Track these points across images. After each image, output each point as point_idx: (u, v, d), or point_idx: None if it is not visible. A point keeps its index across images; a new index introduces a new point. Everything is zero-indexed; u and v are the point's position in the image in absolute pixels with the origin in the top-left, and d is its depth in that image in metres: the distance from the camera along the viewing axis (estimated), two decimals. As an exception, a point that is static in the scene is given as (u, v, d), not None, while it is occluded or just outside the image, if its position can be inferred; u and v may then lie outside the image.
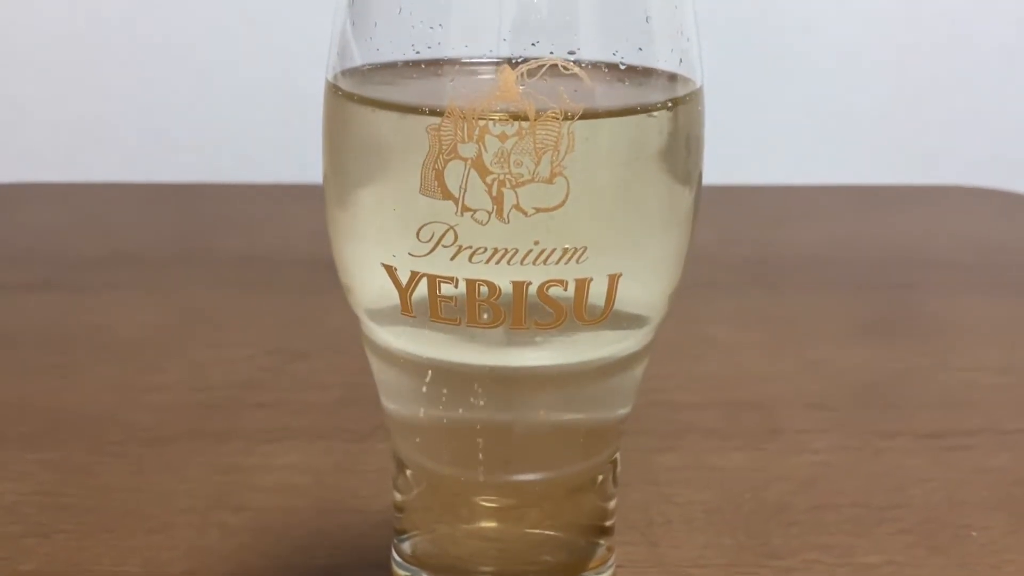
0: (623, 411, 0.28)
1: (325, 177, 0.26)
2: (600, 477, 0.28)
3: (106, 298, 0.50)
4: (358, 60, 0.25)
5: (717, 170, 0.84)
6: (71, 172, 0.72)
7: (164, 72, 0.74)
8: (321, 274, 0.52)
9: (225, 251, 0.56)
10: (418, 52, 0.24)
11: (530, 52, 0.23)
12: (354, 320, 0.29)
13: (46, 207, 0.63)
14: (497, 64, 0.23)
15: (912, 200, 0.69)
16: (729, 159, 0.78)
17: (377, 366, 0.28)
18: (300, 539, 0.32)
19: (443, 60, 0.24)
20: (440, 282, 0.24)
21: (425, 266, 0.24)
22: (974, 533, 0.33)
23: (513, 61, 0.23)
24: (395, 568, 0.29)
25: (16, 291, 0.50)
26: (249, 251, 0.57)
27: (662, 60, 0.25)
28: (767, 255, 0.58)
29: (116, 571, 0.30)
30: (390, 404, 0.28)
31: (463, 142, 0.23)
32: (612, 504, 0.29)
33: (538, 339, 0.25)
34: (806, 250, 0.59)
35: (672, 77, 0.25)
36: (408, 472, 0.29)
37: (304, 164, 0.76)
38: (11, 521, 0.32)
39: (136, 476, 0.35)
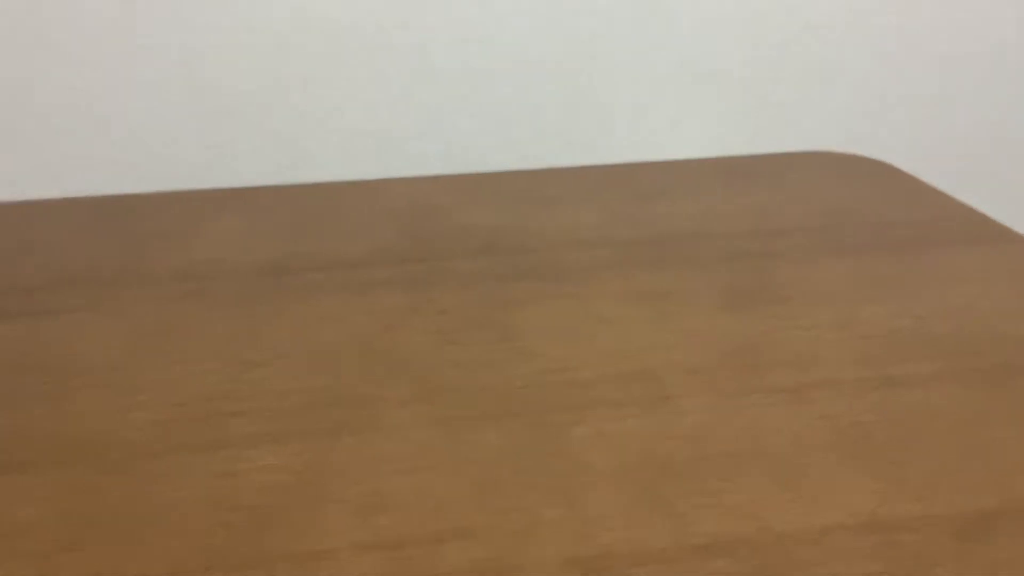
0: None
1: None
2: None
3: (64, 322, 0.55)
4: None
5: (598, 145, 0.93)
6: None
7: (80, 78, 0.77)
8: (259, 282, 0.59)
9: (162, 266, 0.62)
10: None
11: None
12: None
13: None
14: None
15: (768, 168, 0.79)
16: (607, 131, 0.87)
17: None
18: (292, 529, 0.40)
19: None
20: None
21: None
22: (814, 470, 0.43)
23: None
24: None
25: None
26: (185, 264, 0.62)
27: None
28: (644, 234, 0.67)
29: (143, 574, 0.37)
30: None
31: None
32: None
33: None
34: (677, 226, 0.68)
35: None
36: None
37: (232, 168, 0.81)
38: (43, 540, 0.39)
39: (142, 488, 0.42)
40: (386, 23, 0.80)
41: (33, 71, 0.76)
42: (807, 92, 0.89)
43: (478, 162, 0.86)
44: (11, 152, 0.77)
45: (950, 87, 0.92)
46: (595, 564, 0.38)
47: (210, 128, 0.80)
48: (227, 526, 0.40)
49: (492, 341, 0.53)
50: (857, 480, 0.43)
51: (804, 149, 0.87)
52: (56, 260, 0.62)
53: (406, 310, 0.56)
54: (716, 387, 0.49)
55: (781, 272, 0.62)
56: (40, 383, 0.49)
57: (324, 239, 0.65)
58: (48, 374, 0.50)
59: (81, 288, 0.59)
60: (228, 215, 0.68)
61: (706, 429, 0.46)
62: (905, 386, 0.49)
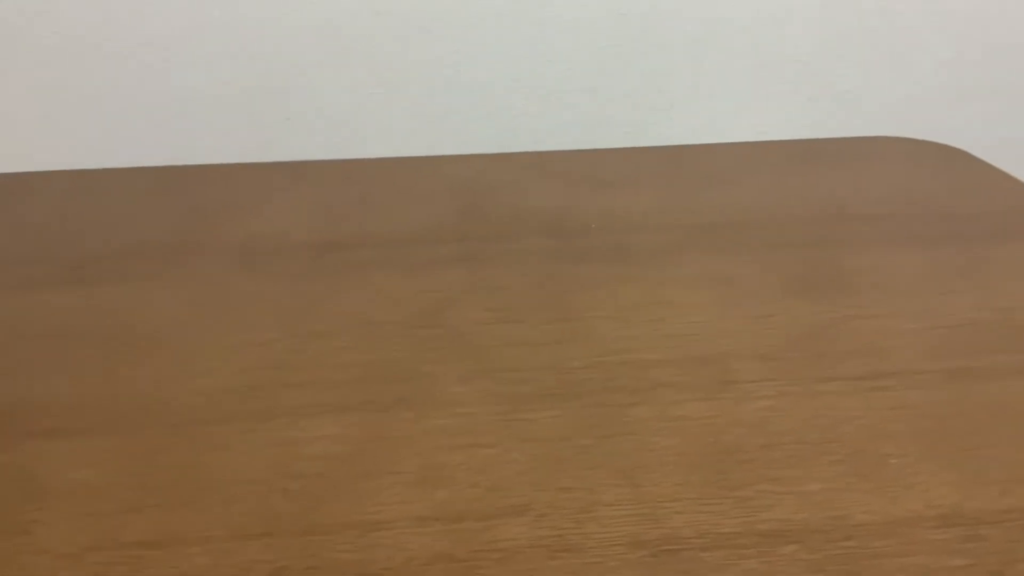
0: None
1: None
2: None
3: (129, 290, 0.55)
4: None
5: (657, 128, 0.91)
6: (61, 159, 0.76)
7: (150, 56, 0.77)
8: (320, 256, 0.59)
9: (225, 238, 0.61)
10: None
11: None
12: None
13: (48, 197, 0.67)
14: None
15: (837, 153, 0.77)
16: (665, 117, 0.86)
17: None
18: (352, 499, 0.39)
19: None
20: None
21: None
22: (893, 460, 0.41)
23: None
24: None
25: (46, 287, 0.55)
26: (247, 236, 0.62)
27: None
28: (707, 218, 0.65)
29: (206, 536, 0.37)
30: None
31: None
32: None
33: None
34: (742, 210, 0.66)
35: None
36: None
37: (291, 144, 0.81)
38: (107, 500, 0.39)
39: (201, 454, 0.41)
40: (439, 2, 0.80)
41: (104, 48, 0.77)
42: (877, 77, 0.87)
43: (532, 143, 0.85)
44: (82, 122, 0.78)
45: (1029, 77, 0.88)
46: (662, 546, 0.37)
47: (269, 104, 0.80)
48: (286, 493, 0.39)
49: (551, 321, 0.52)
50: (936, 472, 0.41)
51: (873, 135, 0.85)
52: (123, 230, 0.62)
53: (464, 287, 0.56)
54: (785, 374, 0.47)
55: (852, 260, 0.60)
56: (104, 349, 0.49)
57: (383, 215, 0.65)
58: (112, 341, 0.50)
59: (146, 257, 0.59)
60: (290, 189, 0.68)
61: (776, 416, 0.44)
62: (985, 379, 0.47)
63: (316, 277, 0.57)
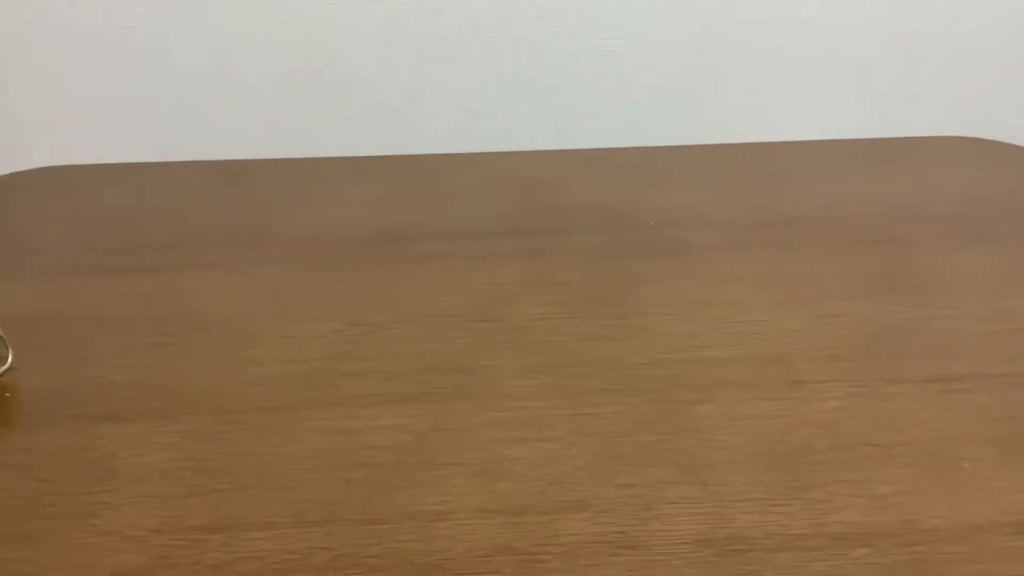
0: None
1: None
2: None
3: (191, 279, 0.55)
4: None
5: (715, 127, 0.89)
6: (117, 154, 0.77)
7: (214, 53, 0.78)
8: (380, 248, 0.59)
9: (286, 229, 0.62)
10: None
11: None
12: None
13: (117, 189, 0.68)
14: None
15: (901, 153, 0.75)
16: (722, 115, 0.84)
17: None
18: (413, 489, 0.39)
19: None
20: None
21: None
22: (966, 464, 0.40)
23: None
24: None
25: (119, 275, 0.55)
26: (308, 228, 0.62)
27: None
28: (769, 215, 0.64)
29: (269, 521, 0.37)
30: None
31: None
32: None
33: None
34: (804, 208, 0.65)
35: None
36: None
37: (349, 142, 0.81)
38: (171, 484, 0.39)
39: (261, 441, 0.42)
40: (496, 1, 0.79)
41: (171, 44, 0.78)
42: (942, 76, 0.85)
43: (590, 141, 0.84)
44: (150, 117, 0.79)
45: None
46: (729, 546, 0.36)
47: (328, 99, 0.80)
48: (348, 482, 0.39)
49: (612, 316, 0.52)
50: (1012, 478, 0.39)
51: (938, 134, 0.82)
52: (187, 220, 0.63)
53: (524, 281, 0.55)
54: (855, 375, 0.46)
55: (920, 259, 0.58)
56: (166, 336, 0.49)
57: (442, 209, 0.64)
58: (174, 328, 0.50)
59: (209, 247, 0.59)
60: (350, 183, 0.68)
61: (844, 417, 0.43)
62: (1064, 383, 0.46)
63: (375, 269, 0.57)
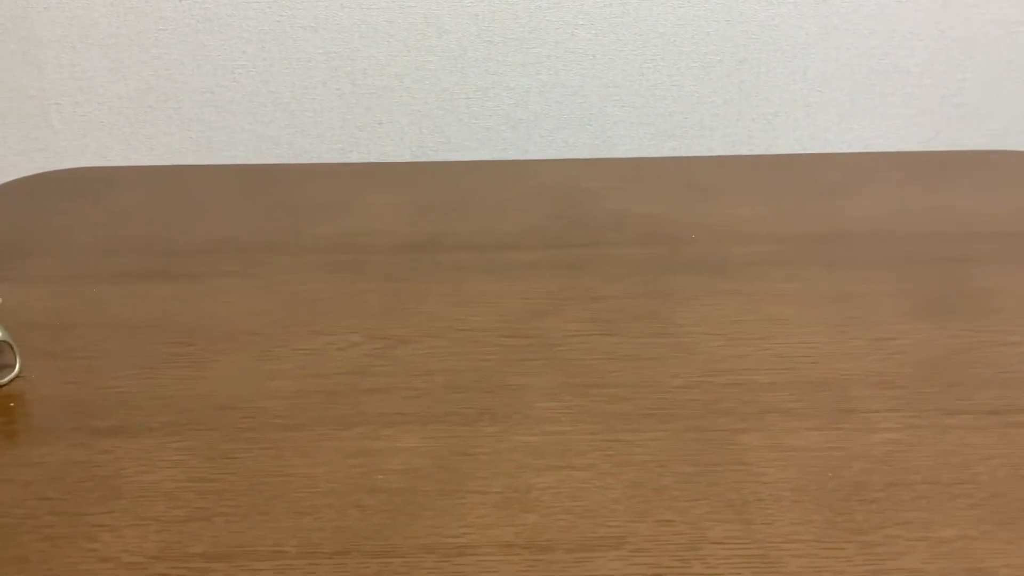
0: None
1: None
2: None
3: (213, 286, 0.53)
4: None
5: (760, 137, 0.86)
6: (148, 155, 0.76)
7: (246, 55, 0.77)
8: (409, 258, 0.56)
9: (313, 236, 0.60)
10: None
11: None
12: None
13: (142, 191, 0.66)
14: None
15: (955, 167, 0.71)
16: (767, 125, 0.81)
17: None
18: (432, 519, 0.36)
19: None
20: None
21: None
22: (1038, 508, 0.36)
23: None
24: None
25: (138, 280, 0.53)
26: (336, 235, 0.60)
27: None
28: (816, 230, 0.60)
29: (275, 551, 0.34)
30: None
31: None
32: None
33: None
34: (853, 223, 0.61)
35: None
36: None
37: (380, 148, 0.80)
38: (175, 507, 0.37)
39: (276, 461, 0.39)
40: (536, 7, 0.77)
41: (204, 47, 0.76)
42: (991, 90, 0.81)
43: (631, 150, 0.81)
44: (179, 121, 0.78)
45: None
46: (777, 594, 0.33)
47: (362, 106, 0.78)
48: (362, 509, 0.36)
49: (651, 335, 0.49)
50: (1092, 524, 0.36)
51: (988, 148, 0.78)
52: (213, 224, 0.61)
53: (559, 296, 0.52)
54: (913, 404, 0.43)
55: (979, 279, 0.54)
56: (182, 346, 0.47)
57: (475, 218, 0.62)
58: (191, 337, 0.48)
59: (233, 254, 0.57)
60: (379, 190, 0.66)
61: (902, 451, 0.40)
62: None
63: (402, 279, 0.54)
